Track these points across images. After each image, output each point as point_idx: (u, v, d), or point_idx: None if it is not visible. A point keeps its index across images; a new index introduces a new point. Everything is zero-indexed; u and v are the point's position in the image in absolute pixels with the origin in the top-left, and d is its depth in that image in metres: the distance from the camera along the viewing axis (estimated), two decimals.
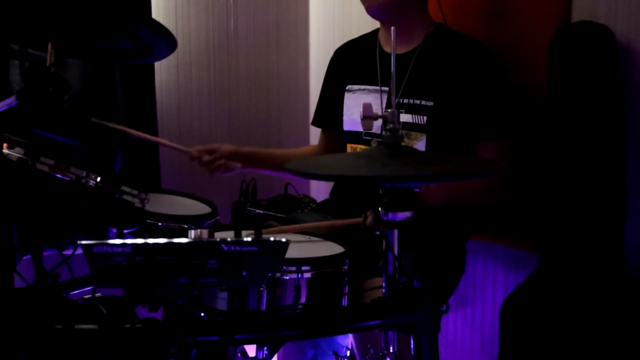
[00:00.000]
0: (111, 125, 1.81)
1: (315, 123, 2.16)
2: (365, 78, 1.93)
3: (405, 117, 1.80)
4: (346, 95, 1.97)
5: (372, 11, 1.83)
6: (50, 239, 1.34)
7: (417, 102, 1.80)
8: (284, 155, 2.13)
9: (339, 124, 1.99)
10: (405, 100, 1.82)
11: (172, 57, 2.48)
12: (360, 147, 1.92)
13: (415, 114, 1.80)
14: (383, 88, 1.88)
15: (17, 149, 1.39)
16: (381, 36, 1.96)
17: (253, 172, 2.08)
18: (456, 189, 1.77)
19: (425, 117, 1.79)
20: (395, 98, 1.80)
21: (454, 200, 1.79)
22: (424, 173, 1.11)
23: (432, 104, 1.79)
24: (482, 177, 1.59)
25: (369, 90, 1.92)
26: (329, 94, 2.08)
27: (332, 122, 2.04)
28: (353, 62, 2.00)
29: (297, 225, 1.72)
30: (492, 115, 1.78)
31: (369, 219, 1.59)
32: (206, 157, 1.94)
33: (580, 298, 1.69)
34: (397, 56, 1.81)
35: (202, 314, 1.34)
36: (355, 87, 1.96)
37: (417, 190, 1.17)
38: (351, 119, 1.95)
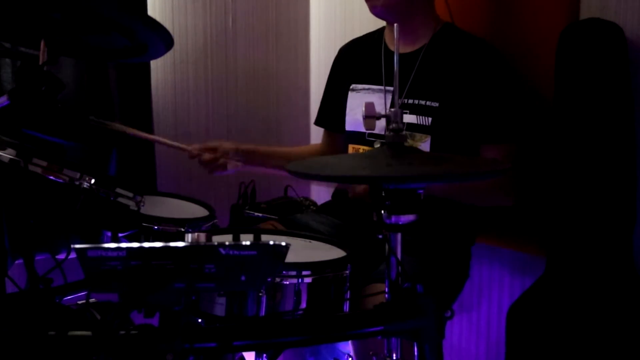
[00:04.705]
0: (108, 124, 1.79)
1: (318, 123, 2.13)
2: (370, 77, 1.91)
3: (410, 118, 1.77)
4: (350, 94, 1.95)
5: (376, 11, 1.80)
6: (42, 243, 1.34)
7: (422, 102, 1.78)
8: (285, 153, 2.10)
9: (342, 124, 1.96)
10: (410, 101, 1.79)
11: (168, 56, 2.45)
12: (362, 148, 1.89)
13: (420, 115, 1.77)
14: (387, 88, 1.85)
15: (9, 150, 1.38)
16: (386, 35, 1.93)
17: (253, 170, 2.04)
18: (460, 185, 1.74)
19: (430, 118, 1.76)
20: (400, 98, 1.77)
21: (456, 194, 1.76)
22: (428, 173, 1.09)
23: (437, 104, 1.76)
24: (486, 178, 1.56)
25: (373, 90, 1.89)
26: (333, 93, 2.05)
27: (336, 122, 2.01)
28: (357, 60, 1.98)
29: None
30: (498, 117, 1.76)
31: (360, 188, 1.57)
32: (206, 156, 1.91)
33: (588, 303, 1.68)
34: (403, 55, 1.80)
35: (200, 320, 1.33)
36: (359, 86, 1.93)
37: (421, 191, 1.13)
38: (354, 119, 1.92)
